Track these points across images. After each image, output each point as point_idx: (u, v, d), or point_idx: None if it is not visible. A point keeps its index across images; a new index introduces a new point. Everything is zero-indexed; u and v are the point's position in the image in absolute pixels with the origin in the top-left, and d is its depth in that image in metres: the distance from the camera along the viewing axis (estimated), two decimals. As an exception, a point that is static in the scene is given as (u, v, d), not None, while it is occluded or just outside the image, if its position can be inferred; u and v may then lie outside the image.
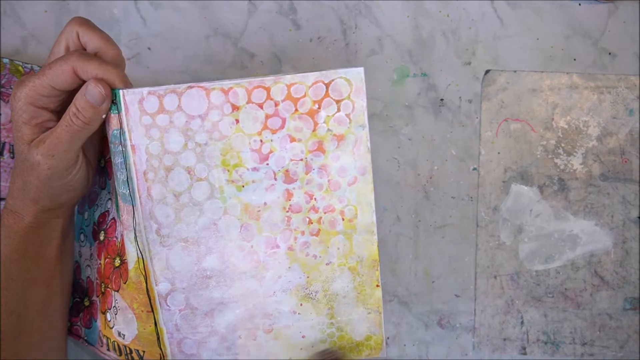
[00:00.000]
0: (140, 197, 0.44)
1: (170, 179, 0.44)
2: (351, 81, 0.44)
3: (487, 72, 0.58)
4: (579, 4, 0.59)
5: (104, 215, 0.50)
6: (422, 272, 0.58)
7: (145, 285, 0.46)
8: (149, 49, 0.59)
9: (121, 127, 0.43)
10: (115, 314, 0.48)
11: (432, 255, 0.58)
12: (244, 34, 0.59)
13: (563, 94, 0.58)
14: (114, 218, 0.48)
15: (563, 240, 0.58)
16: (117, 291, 0.48)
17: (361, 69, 0.44)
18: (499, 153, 0.58)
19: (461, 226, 0.58)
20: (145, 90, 0.42)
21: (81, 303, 0.52)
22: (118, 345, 0.48)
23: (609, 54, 0.58)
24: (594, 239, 0.58)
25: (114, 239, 0.48)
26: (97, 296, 0.50)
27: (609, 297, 0.57)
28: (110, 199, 0.50)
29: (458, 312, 0.58)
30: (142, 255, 0.45)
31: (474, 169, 0.58)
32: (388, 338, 0.58)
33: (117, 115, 0.43)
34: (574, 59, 0.59)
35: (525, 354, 0.58)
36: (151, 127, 0.43)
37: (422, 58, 0.59)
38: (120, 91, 0.42)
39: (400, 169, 0.58)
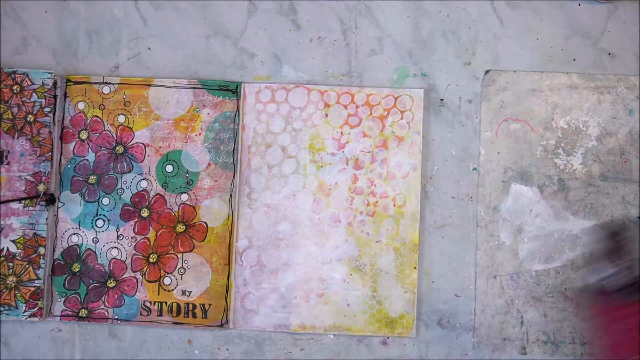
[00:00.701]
0: (241, 166, 0.58)
1: (268, 153, 0.58)
2: (414, 98, 0.58)
3: (487, 72, 0.58)
4: (579, 4, 0.59)
5: (141, 195, 0.59)
6: (422, 272, 0.58)
7: (229, 240, 0.58)
8: (149, 49, 0.59)
9: (237, 110, 0.56)
10: (182, 274, 0.58)
11: (432, 255, 0.58)
12: (244, 34, 0.59)
13: (563, 94, 0.58)
14: (159, 194, 0.58)
15: (563, 240, 0.58)
16: (190, 251, 0.58)
17: (422, 90, 0.57)
18: (499, 153, 0.58)
19: (461, 226, 0.58)
20: (263, 84, 0.57)
21: (103, 286, 0.58)
22: (178, 305, 0.58)
23: (609, 54, 0.59)
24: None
25: (167, 210, 0.58)
26: (137, 270, 0.58)
27: (608, 297, 0.57)
28: (144, 179, 0.58)
29: (458, 312, 0.58)
30: (232, 213, 0.57)
31: (474, 169, 0.59)
32: (388, 338, 0.58)
33: (234, 100, 0.57)
34: (574, 59, 0.59)
35: (525, 353, 0.58)
36: (261, 112, 0.57)
37: (422, 58, 0.59)
38: (242, 84, 0.57)
39: (400, 169, 0.58)
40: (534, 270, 0.58)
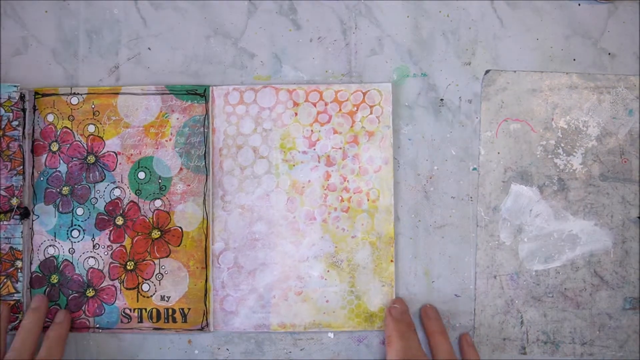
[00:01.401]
0: (213, 169, 0.57)
1: (239, 155, 0.57)
2: (382, 92, 0.57)
3: (487, 72, 0.58)
4: (579, 4, 0.59)
5: (114, 203, 0.58)
6: (422, 272, 0.58)
7: (205, 243, 0.57)
8: (149, 49, 0.59)
9: (206, 114, 0.57)
10: (160, 280, 0.57)
11: (432, 255, 0.58)
12: (244, 34, 0.59)
13: (563, 94, 0.58)
14: (132, 201, 0.58)
15: (563, 240, 0.58)
16: (167, 257, 0.57)
17: (389, 84, 0.57)
18: (498, 153, 0.58)
19: (461, 226, 0.58)
20: (231, 87, 0.57)
21: (82, 296, 0.58)
22: (157, 311, 0.57)
23: (609, 54, 0.59)
24: (593, 239, 0.58)
25: (142, 217, 0.57)
26: (115, 278, 0.58)
27: (608, 297, 0.57)
28: (117, 187, 0.58)
29: (458, 312, 0.58)
30: (207, 216, 0.56)
31: (474, 169, 0.59)
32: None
33: (203, 104, 0.57)
34: (574, 59, 0.59)
35: (525, 353, 0.58)
36: (231, 114, 0.57)
37: (422, 58, 0.59)
38: (210, 87, 0.57)
39: (400, 169, 0.58)
40: (534, 270, 0.58)
